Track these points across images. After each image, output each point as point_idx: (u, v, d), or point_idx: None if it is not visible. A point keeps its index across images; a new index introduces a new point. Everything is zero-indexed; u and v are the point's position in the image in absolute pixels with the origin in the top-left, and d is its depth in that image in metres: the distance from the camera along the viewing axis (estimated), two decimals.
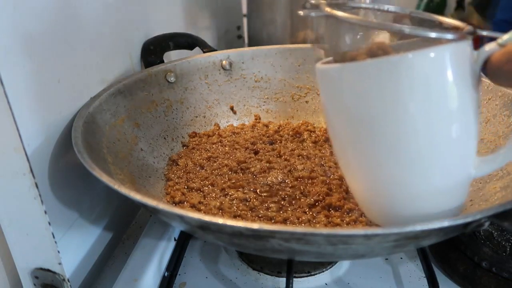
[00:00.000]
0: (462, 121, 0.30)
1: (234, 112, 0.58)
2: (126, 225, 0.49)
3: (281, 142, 0.53)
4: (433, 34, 0.28)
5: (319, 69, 0.33)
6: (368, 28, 0.31)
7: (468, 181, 0.32)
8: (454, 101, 0.29)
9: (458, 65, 0.29)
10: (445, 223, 0.27)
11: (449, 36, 0.28)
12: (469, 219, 0.28)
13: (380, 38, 0.31)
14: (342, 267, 0.43)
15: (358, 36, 0.32)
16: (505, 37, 0.28)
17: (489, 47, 0.29)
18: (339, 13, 0.30)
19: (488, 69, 0.29)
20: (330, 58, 0.34)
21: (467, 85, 0.29)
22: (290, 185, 0.45)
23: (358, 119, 0.31)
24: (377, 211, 0.35)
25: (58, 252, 0.33)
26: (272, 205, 0.42)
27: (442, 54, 0.28)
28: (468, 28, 0.30)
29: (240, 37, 1.03)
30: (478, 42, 0.30)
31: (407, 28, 0.29)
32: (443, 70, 0.29)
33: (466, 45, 0.29)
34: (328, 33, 0.33)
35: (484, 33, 0.30)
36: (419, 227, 0.28)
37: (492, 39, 0.29)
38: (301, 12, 0.33)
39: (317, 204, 0.42)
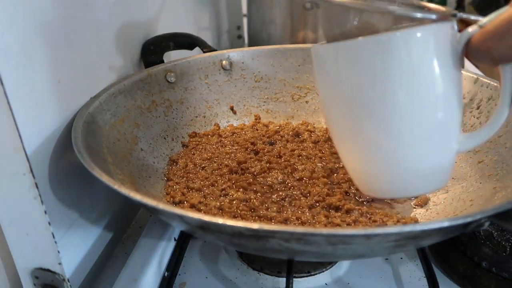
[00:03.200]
0: (445, 96, 0.33)
1: (234, 112, 0.58)
2: (126, 225, 0.49)
3: (281, 142, 0.53)
4: (418, 15, 0.31)
5: (313, 49, 0.35)
6: (357, 11, 0.34)
7: (453, 154, 0.35)
8: (438, 78, 0.32)
9: (442, 44, 0.31)
10: (445, 223, 0.27)
11: (433, 16, 0.31)
12: (469, 219, 0.28)
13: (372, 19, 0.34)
14: (342, 267, 0.43)
15: (350, 18, 0.35)
16: (485, 19, 0.30)
17: (471, 28, 0.31)
18: None
19: (468, 49, 0.31)
20: (324, 42, 0.36)
21: (449, 64, 0.32)
22: (290, 185, 0.45)
23: (350, 94, 0.33)
24: (369, 183, 0.37)
25: (58, 252, 0.33)
26: (272, 205, 0.42)
27: (427, 33, 0.31)
28: (451, 11, 0.33)
29: (240, 37, 1.03)
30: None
31: (395, 9, 0.32)
32: (428, 48, 0.31)
33: (449, 26, 0.32)
34: (322, 15, 0.37)
35: (465, 15, 0.34)
36: (419, 227, 0.28)
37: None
38: None
39: (317, 204, 0.42)
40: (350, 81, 0.33)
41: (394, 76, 0.31)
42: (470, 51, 0.31)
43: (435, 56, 0.31)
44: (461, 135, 0.34)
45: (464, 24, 0.33)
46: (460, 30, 0.32)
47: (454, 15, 0.32)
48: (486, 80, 0.47)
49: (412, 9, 0.32)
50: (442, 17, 0.31)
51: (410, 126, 0.33)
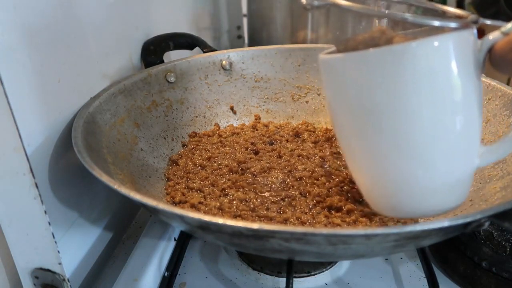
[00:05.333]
0: (466, 110, 0.30)
1: (234, 112, 0.58)
2: (126, 225, 0.49)
3: (281, 142, 0.53)
4: (436, 23, 0.28)
5: (321, 59, 0.32)
6: (370, 17, 0.31)
7: (473, 169, 0.32)
8: (458, 90, 0.29)
9: (462, 53, 0.29)
10: (445, 223, 0.27)
11: (453, 24, 0.28)
12: (469, 219, 0.28)
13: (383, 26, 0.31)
14: (342, 267, 0.43)
15: (361, 25, 0.32)
16: (508, 25, 0.28)
17: (492, 35, 0.28)
18: (342, 2, 0.30)
19: (491, 57, 0.29)
20: (333, 48, 0.33)
21: (470, 74, 0.29)
22: (290, 185, 0.45)
23: (361, 109, 0.31)
24: (382, 202, 0.35)
25: (58, 252, 0.33)
26: (272, 205, 0.42)
27: (446, 43, 0.28)
28: (471, 16, 0.30)
29: (240, 37, 1.03)
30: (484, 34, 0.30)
31: (410, 17, 0.29)
32: (447, 59, 0.28)
33: (469, 34, 0.29)
34: (331, 21, 0.34)
35: (488, 22, 0.30)
36: (419, 227, 0.28)
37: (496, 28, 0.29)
38: (303, 1, 0.33)
39: (317, 204, 0.42)
40: (361, 94, 0.30)
41: (409, 89, 0.29)
42: (493, 60, 0.28)
43: (454, 66, 0.28)
44: (482, 148, 0.32)
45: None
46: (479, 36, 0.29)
47: (476, 22, 0.29)
48: (487, 80, 0.47)
49: (429, 17, 0.29)
50: (462, 25, 0.28)
51: (428, 142, 0.30)
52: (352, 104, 0.31)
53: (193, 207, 0.41)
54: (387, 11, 0.30)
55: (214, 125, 0.56)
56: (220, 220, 0.28)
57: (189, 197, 0.43)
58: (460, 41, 0.29)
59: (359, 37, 0.31)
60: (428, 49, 0.28)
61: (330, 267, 0.42)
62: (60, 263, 0.34)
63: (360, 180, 0.35)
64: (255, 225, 0.27)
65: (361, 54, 0.29)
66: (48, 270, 0.34)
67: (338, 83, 0.32)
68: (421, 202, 0.32)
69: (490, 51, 0.29)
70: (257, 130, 0.56)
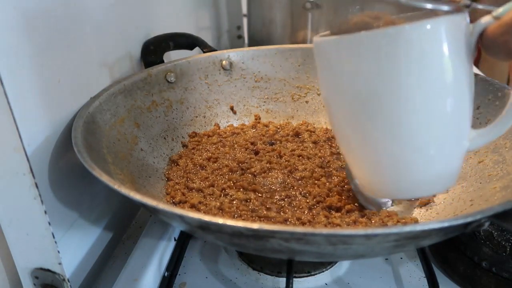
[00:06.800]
0: (457, 93, 0.31)
1: (234, 112, 0.58)
2: (126, 225, 0.49)
3: (281, 143, 0.53)
4: (429, 5, 0.29)
5: (315, 42, 0.33)
6: (365, 1, 0.32)
7: (463, 153, 0.33)
8: (449, 73, 0.30)
9: (454, 37, 0.29)
10: (445, 223, 0.27)
11: (445, 7, 0.29)
12: (469, 219, 0.28)
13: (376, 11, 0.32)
14: (342, 267, 0.43)
15: (355, 9, 0.33)
16: (500, 10, 0.28)
17: (484, 20, 0.29)
18: None
19: (483, 41, 0.29)
20: (328, 32, 0.34)
21: (462, 58, 0.30)
22: (291, 185, 0.45)
23: (354, 92, 0.31)
24: (374, 184, 0.35)
25: (58, 252, 0.33)
26: (272, 205, 0.42)
27: (438, 26, 0.29)
28: (464, 1, 0.30)
29: (240, 37, 1.03)
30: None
31: (403, 0, 0.29)
32: (439, 42, 0.29)
33: (462, 18, 0.29)
34: (326, 5, 0.34)
35: (480, 6, 0.31)
36: (419, 227, 0.28)
37: (488, 12, 0.29)
38: None
39: (317, 204, 0.42)
40: (354, 77, 0.30)
41: (402, 72, 0.29)
42: (485, 44, 0.29)
43: (446, 49, 0.29)
44: (472, 132, 0.32)
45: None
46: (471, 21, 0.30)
47: (468, 6, 0.30)
48: (487, 80, 0.47)
49: (422, 0, 0.29)
50: (454, 8, 0.29)
51: (421, 123, 0.30)
52: (345, 87, 0.31)
53: (193, 207, 0.41)
54: None
55: (214, 125, 0.56)
56: (220, 220, 0.28)
57: (189, 197, 0.43)
58: (452, 24, 0.29)
59: (353, 20, 0.31)
60: (421, 32, 0.28)
61: (330, 267, 0.42)
62: (60, 263, 0.34)
63: (353, 164, 0.36)
64: (255, 225, 0.27)
65: (355, 37, 0.29)
66: (48, 270, 0.34)
67: (332, 66, 0.32)
68: (413, 183, 0.33)
69: (482, 35, 0.29)
70: (257, 130, 0.56)
